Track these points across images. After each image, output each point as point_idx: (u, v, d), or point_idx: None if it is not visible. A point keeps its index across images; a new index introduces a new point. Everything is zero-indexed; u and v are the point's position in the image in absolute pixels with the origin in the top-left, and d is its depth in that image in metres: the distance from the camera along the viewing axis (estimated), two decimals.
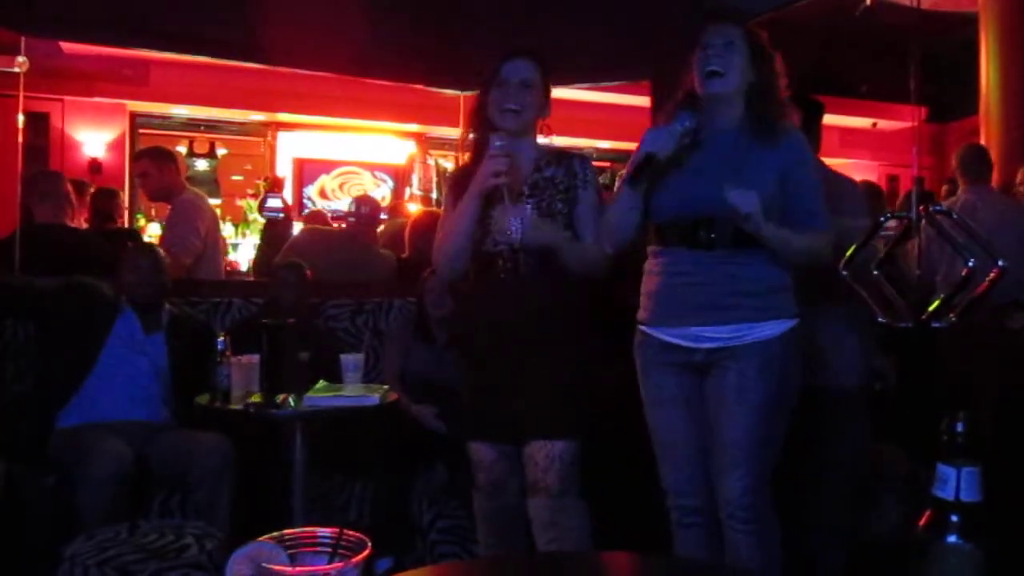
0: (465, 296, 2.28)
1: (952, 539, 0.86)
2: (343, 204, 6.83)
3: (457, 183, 2.24)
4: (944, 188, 4.67)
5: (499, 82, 2.14)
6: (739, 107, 1.94)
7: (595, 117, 7.05)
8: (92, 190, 4.62)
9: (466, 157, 2.29)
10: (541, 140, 2.25)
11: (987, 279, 2.24)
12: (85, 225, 4.20)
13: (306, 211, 7.11)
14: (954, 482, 0.86)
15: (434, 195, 8.00)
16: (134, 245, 3.26)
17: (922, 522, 0.88)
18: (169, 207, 3.84)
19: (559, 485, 2.07)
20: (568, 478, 2.09)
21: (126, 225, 5.96)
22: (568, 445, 2.09)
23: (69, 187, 3.53)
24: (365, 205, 4.29)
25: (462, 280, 2.25)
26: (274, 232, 4.68)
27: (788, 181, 1.90)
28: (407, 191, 7.96)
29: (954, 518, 0.86)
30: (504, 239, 2.06)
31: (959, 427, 0.86)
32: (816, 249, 1.92)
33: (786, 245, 1.87)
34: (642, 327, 2.02)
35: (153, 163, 3.79)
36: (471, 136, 2.24)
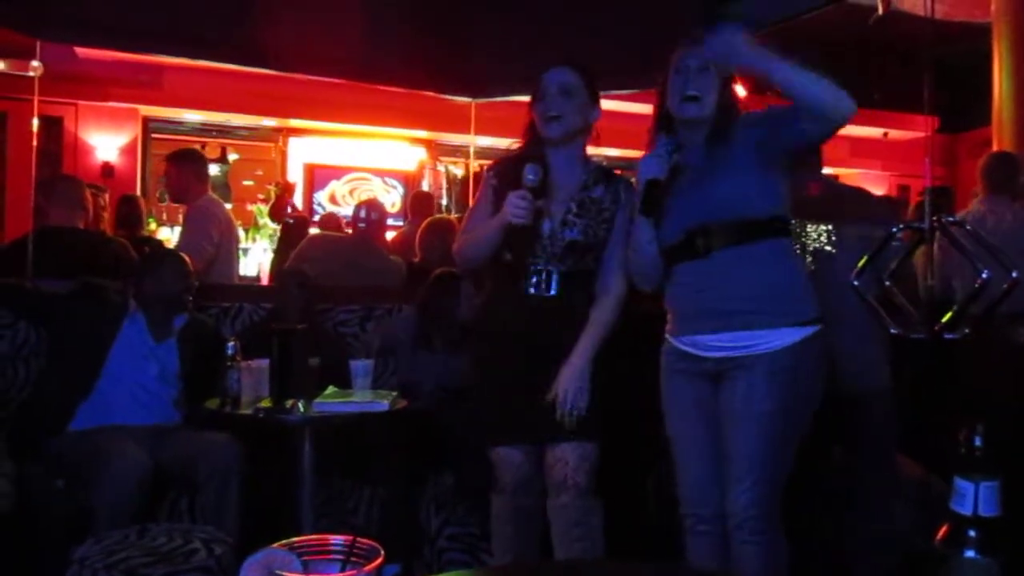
0: (488, 307, 2.28)
1: (970, 554, 0.85)
2: (352, 210, 6.85)
3: (498, 175, 2.23)
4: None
5: (541, 93, 2.17)
6: (708, 125, 1.99)
7: (603, 125, 7.00)
8: (107, 195, 4.65)
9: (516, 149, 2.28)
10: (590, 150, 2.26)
11: (1001, 290, 2.23)
12: (109, 231, 4.23)
13: (317, 216, 7.12)
14: (972, 496, 0.85)
15: (444, 201, 8.01)
16: (156, 252, 3.28)
17: (939, 536, 0.87)
18: (185, 210, 3.87)
19: (588, 484, 2.11)
20: (594, 478, 2.13)
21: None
22: (595, 447, 2.13)
23: (88, 194, 3.57)
24: (374, 211, 4.30)
25: (481, 286, 2.28)
26: (290, 238, 4.70)
27: (774, 125, 1.88)
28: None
29: (972, 533, 0.85)
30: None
31: (977, 441, 0.85)
32: (828, 90, 1.79)
33: (795, 72, 1.77)
34: (666, 336, 2.06)
35: (173, 165, 3.88)
36: (523, 142, 2.25)
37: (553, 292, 2.13)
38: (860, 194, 2.81)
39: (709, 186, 1.93)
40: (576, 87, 2.17)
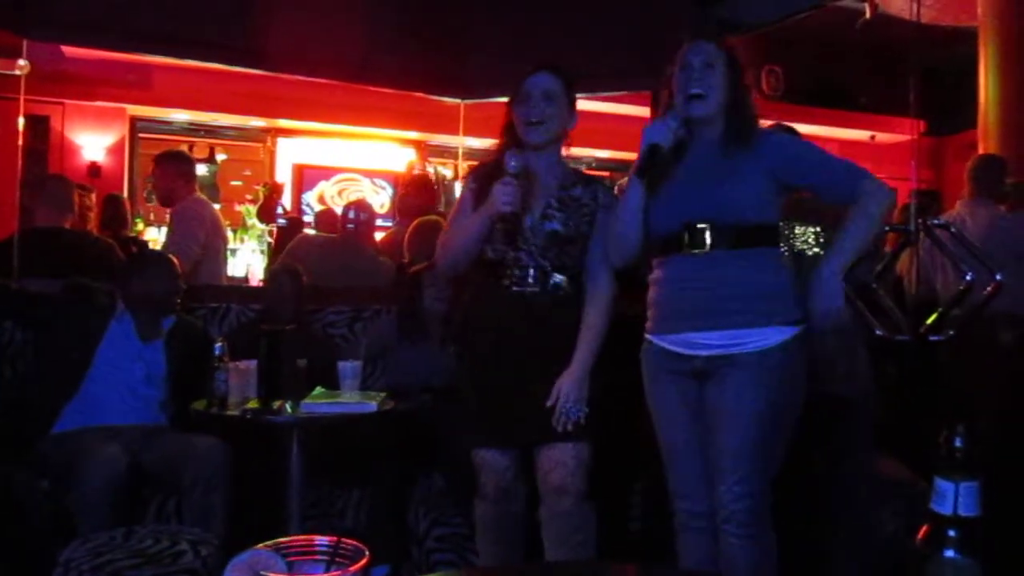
0: (473, 305, 2.27)
1: (950, 553, 0.86)
2: (341, 211, 6.81)
3: (477, 178, 2.24)
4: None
5: (523, 97, 2.16)
6: (719, 122, 1.98)
7: (594, 126, 7.01)
8: (93, 195, 4.63)
9: (491, 157, 2.27)
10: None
11: (985, 293, 2.25)
12: (95, 231, 4.21)
13: (307, 215, 7.09)
14: (952, 496, 0.86)
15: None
16: (143, 253, 3.27)
17: (920, 536, 0.88)
18: (172, 211, 3.86)
19: (585, 487, 2.11)
20: (588, 481, 2.12)
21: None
22: (589, 447, 2.12)
23: (76, 196, 3.55)
24: (363, 212, 4.29)
25: (464, 286, 2.27)
26: (285, 241, 4.69)
27: (795, 174, 1.94)
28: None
29: (952, 532, 0.86)
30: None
31: (958, 441, 0.86)
32: (880, 204, 1.90)
33: (867, 235, 1.91)
34: (647, 336, 2.05)
35: (159, 166, 3.88)
36: (500, 143, 2.24)
37: (536, 287, 2.13)
38: None
39: (718, 187, 1.92)
40: (558, 93, 2.17)
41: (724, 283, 1.90)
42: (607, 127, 7.23)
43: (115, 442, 2.55)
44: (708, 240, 1.91)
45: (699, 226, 1.92)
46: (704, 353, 1.92)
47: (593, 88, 4.43)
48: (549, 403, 2.08)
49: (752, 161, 1.93)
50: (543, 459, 2.12)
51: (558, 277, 2.14)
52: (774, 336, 1.88)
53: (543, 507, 2.15)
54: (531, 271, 2.13)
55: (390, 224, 6.08)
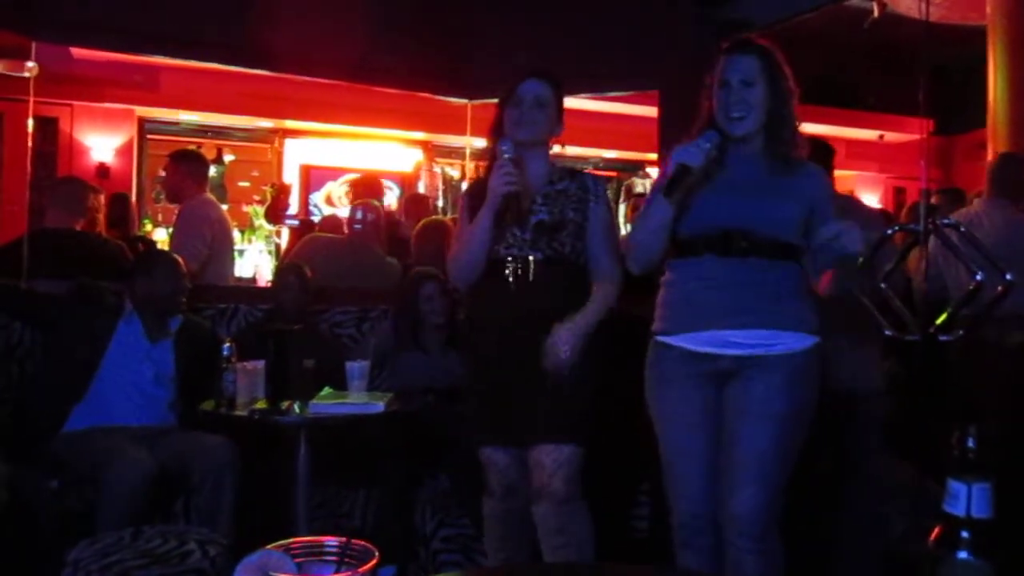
0: (473, 301, 2.28)
1: (963, 555, 0.85)
2: (349, 212, 6.82)
3: (473, 195, 2.27)
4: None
5: (515, 101, 2.19)
6: (760, 136, 1.96)
7: (602, 127, 7.02)
8: (101, 196, 4.65)
9: (481, 170, 2.34)
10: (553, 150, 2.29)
11: (995, 293, 2.24)
12: (105, 231, 4.23)
13: (314, 215, 7.11)
14: (965, 498, 0.85)
15: (440, 202, 8.01)
16: (149, 253, 3.27)
17: (932, 537, 0.88)
18: (178, 210, 3.88)
19: (565, 490, 2.09)
20: (574, 483, 2.11)
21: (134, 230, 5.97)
22: (575, 450, 2.11)
23: (91, 201, 3.58)
24: (371, 212, 4.29)
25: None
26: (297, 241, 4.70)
27: (815, 213, 1.94)
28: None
29: (965, 534, 0.85)
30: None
31: (970, 442, 0.86)
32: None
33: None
34: (661, 338, 2.00)
35: (170, 164, 3.91)
36: (487, 150, 2.27)
37: (532, 279, 2.14)
38: (851, 201, 2.84)
39: (761, 201, 1.92)
40: (548, 99, 2.20)
41: (762, 284, 1.90)
42: (614, 127, 7.22)
43: (134, 443, 2.57)
44: (744, 247, 1.90)
45: (737, 233, 1.90)
46: (735, 352, 1.90)
47: (595, 88, 4.43)
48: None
49: (795, 186, 1.93)
50: (530, 459, 2.14)
51: (554, 263, 2.15)
52: (803, 341, 1.90)
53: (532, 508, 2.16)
54: (522, 264, 2.14)
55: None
